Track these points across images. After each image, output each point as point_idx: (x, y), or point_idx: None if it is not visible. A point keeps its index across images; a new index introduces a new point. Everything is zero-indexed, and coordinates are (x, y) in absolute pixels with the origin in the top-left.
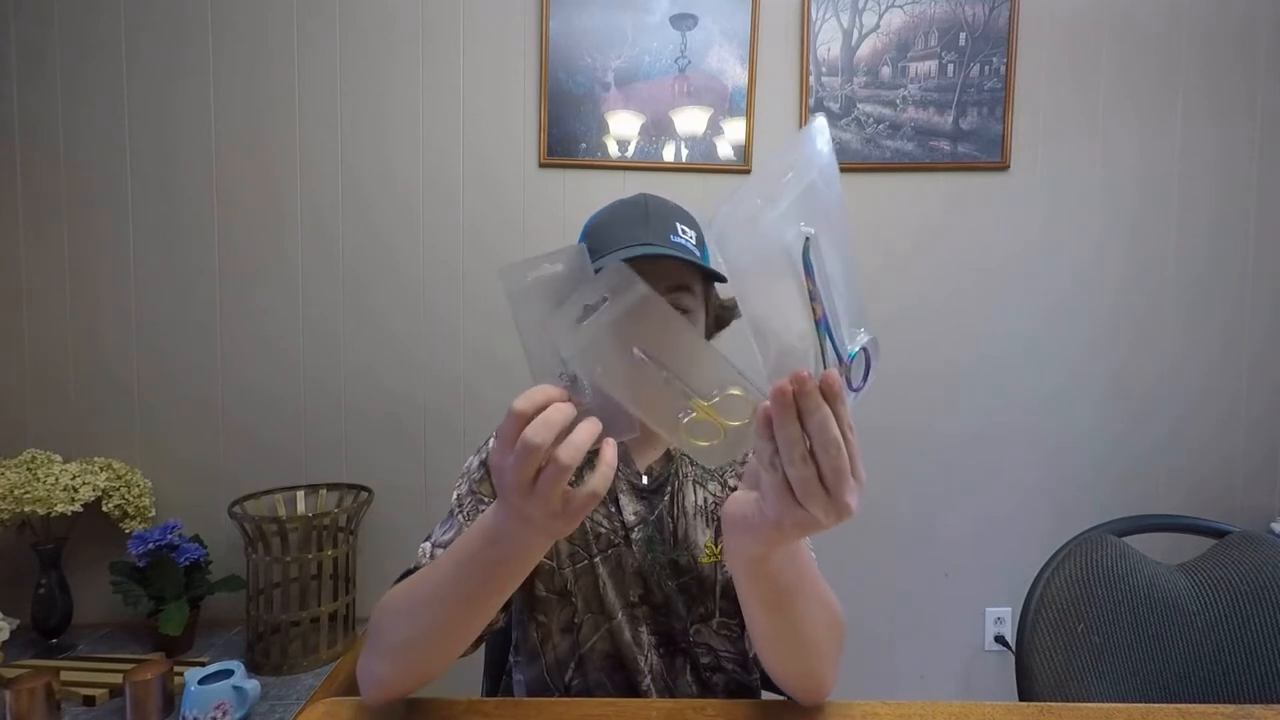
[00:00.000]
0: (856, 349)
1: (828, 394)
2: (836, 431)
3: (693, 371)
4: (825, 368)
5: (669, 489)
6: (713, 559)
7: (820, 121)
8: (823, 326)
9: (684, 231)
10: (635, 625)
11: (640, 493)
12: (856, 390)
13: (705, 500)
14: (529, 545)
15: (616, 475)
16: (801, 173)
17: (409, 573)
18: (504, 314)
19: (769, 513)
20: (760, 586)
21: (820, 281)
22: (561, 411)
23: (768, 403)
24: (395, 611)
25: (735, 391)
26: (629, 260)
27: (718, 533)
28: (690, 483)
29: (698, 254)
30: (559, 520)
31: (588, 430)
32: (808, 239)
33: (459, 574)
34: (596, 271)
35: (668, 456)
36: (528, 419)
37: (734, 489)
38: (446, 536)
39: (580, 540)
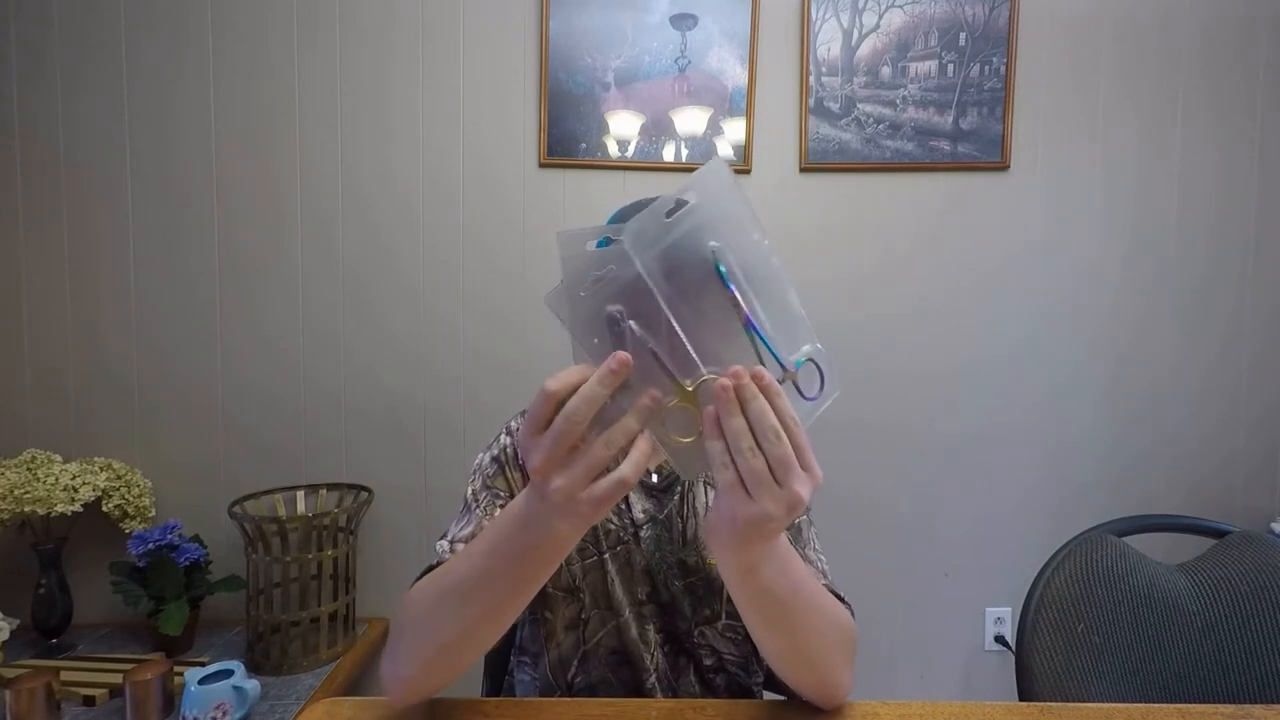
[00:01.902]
0: (802, 359)
1: (761, 387)
2: (774, 421)
3: (679, 355)
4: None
5: (679, 488)
6: None
7: (716, 161)
8: (751, 329)
9: None
10: (642, 623)
11: (649, 491)
12: (812, 399)
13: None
14: (558, 532)
15: None
16: (702, 201)
17: (431, 569)
18: (504, 314)
19: (724, 510)
20: (758, 604)
21: (739, 289)
22: (594, 395)
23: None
24: (422, 607)
25: (712, 376)
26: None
27: None
28: (700, 483)
29: None
30: (584, 507)
31: (627, 424)
32: (714, 249)
33: (491, 561)
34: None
35: None
36: (560, 401)
37: None
38: (464, 532)
39: (590, 536)
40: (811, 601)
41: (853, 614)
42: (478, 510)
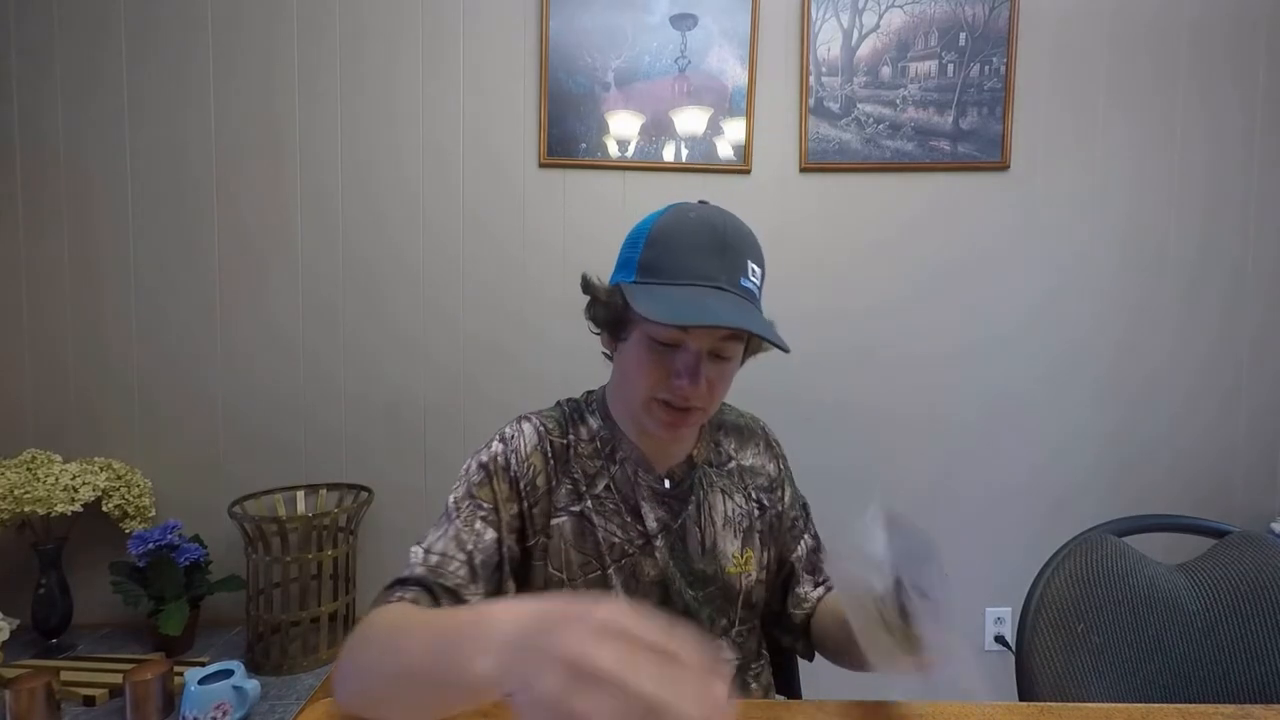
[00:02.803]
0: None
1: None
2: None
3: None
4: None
5: (694, 497)
6: (738, 569)
7: (909, 526)
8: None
9: (754, 272)
10: None
11: (662, 498)
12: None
13: (734, 512)
14: (488, 676)
15: (637, 482)
16: (886, 550)
17: (401, 582)
18: (504, 319)
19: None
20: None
21: (911, 589)
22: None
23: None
24: (374, 667)
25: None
26: (702, 325)
27: (745, 543)
28: (717, 492)
29: (759, 296)
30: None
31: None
32: (899, 582)
33: (433, 660)
34: (646, 282)
35: (689, 463)
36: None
37: (758, 501)
38: (440, 544)
39: (593, 550)
40: None
41: None
42: (457, 520)
